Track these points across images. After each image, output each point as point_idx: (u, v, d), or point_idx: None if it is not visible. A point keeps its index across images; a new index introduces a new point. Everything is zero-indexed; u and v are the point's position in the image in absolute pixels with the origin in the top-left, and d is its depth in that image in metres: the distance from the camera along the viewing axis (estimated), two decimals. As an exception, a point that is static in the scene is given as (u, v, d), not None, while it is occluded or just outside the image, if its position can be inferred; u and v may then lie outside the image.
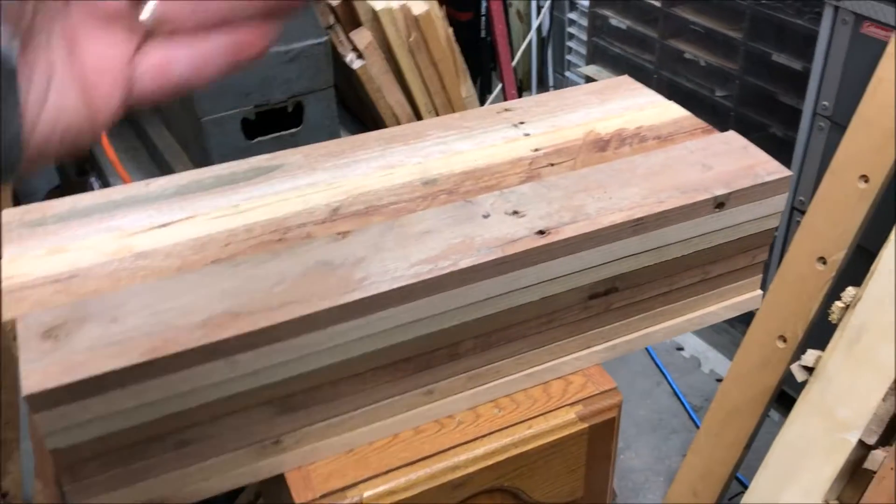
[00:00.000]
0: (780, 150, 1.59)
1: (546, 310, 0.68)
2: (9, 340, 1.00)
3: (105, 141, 0.86)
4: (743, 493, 1.26)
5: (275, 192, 0.71)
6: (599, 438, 0.73)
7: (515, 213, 0.67)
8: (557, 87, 2.60)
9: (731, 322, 1.93)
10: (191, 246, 0.65)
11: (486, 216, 0.67)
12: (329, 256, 0.63)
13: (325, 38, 0.87)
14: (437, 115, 1.03)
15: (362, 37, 0.91)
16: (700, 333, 1.97)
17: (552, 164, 0.75)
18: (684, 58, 1.84)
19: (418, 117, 1.00)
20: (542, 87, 2.70)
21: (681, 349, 1.94)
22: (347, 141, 0.80)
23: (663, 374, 1.86)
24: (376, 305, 0.60)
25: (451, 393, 0.69)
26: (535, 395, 0.72)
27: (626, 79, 0.91)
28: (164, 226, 0.67)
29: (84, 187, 1.80)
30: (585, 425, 0.71)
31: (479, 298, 0.64)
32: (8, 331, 0.59)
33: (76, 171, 1.79)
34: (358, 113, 0.98)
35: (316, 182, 0.73)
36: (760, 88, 1.68)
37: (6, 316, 0.58)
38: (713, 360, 1.90)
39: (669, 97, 0.85)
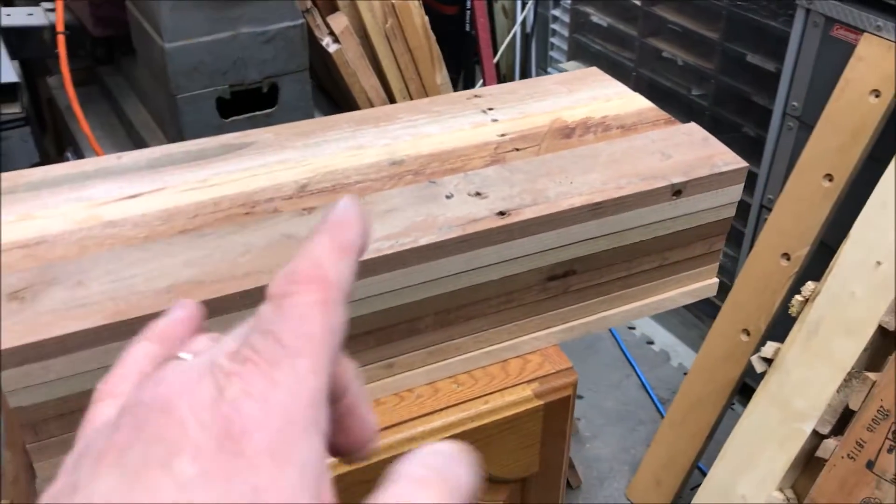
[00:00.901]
0: (753, 149, 1.62)
1: (505, 289, 0.70)
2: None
3: (80, 116, 0.87)
4: (703, 482, 1.29)
5: (244, 169, 0.73)
6: (555, 416, 0.75)
7: (478, 194, 0.69)
8: (539, 82, 2.62)
9: (700, 317, 1.96)
10: (159, 217, 0.66)
11: (449, 196, 0.69)
12: (294, 230, 0.65)
13: (301, 21, 0.89)
14: (412, 100, 1.05)
15: (339, 21, 0.93)
16: (670, 328, 2.00)
17: (517, 150, 0.77)
18: (662, 56, 1.87)
19: (392, 102, 1.02)
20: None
21: (651, 343, 1.97)
22: (318, 122, 0.82)
23: (632, 366, 1.89)
24: (338, 278, 0.62)
25: (411, 367, 0.71)
26: (493, 372, 0.74)
27: (594, 70, 0.93)
28: (133, 197, 0.69)
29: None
30: (541, 402, 0.73)
31: (439, 275, 0.66)
32: (-25, 292, 0.60)
33: (56, 149, 1.79)
34: (333, 96, 1.00)
35: (285, 160, 0.74)
36: (735, 88, 1.71)
37: (-26, 278, 0.60)
38: (682, 355, 1.93)
39: (647, 95, 0.87)
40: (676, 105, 1.79)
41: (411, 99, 1.04)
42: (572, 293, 0.75)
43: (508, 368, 0.75)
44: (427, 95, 1.05)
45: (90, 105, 1.13)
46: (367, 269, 0.63)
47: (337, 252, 0.28)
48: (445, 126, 0.81)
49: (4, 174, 0.72)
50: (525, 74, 2.75)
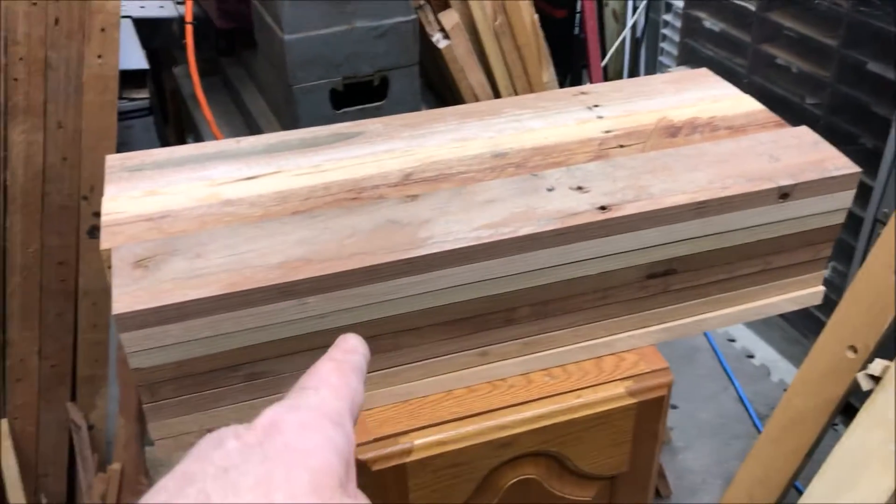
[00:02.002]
0: (869, 161, 1.56)
1: (603, 285, 0.71)
2: (103, 273, 1.07)
3: (203, 101, 0.92)
4: (800, 501, 1.25)
5: (354, 156, 0.76)
6: (647, 415, 0.75)
7: (579, 188, 0.70)
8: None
9: (805, 334, 1.89)
10: (273, 198, 0.70)
11: (550, 189, 0.70)
12: (398, 216, 0.67)
13: (413, 17, 0.91)
14: (517, 98, 1.06)
15: (450, 17, 0.95)
16: (772, 342, 1.94)
17: (622, 146, 0.77)
18: (776, 63, 1.82)
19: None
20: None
21: (751, 357, 1.92)
22: (426, 114, 0.84)
23: (731, 379, 1.84)
24: (437, 263, 0.64)
25: (506, 357, 0.72)
26: (587, 367, 0.75)
27: (704, 71, 0.92)
28: (250, 178, 0.73)
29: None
30: (634, 401, 0.73)
31: (536, 267, 0.67)
32: (104, 259, 0.65)
33: (177, 139, 1.89)
34: (439, 91, 1.02)
35: (392, 149, 0.77)
36: (852, 97, 1.64)
37: (104, 247, 0.64)
38: (783, 370, 1.87)
39: (759, 102, 0.86)
40: (790, 113, 1.73)
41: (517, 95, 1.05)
42: (671, 293, 0.74)
43: (603, 365, 0.75)
44: (533, 93, 1.05)
45: (211, 94, 1.19)
46: (466, 256, 0.64)
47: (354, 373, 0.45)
48: (550, 121, 0.81)
49: (133, 153, 0.77)
50: (634, 75, 2.72)
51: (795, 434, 1.36)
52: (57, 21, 0.87)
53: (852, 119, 1.67)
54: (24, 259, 0.98)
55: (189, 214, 0.68)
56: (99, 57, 0.91)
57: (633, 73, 2.71)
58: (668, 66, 2.34)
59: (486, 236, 0.64)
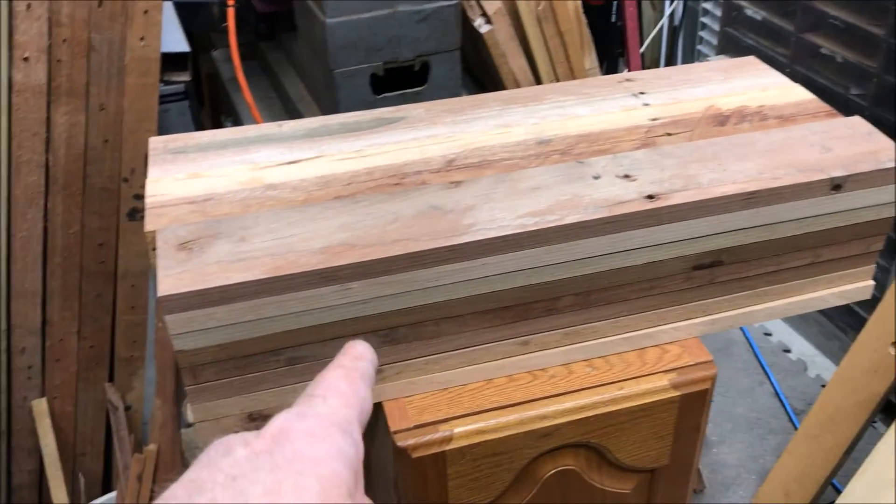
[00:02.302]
0: (915, 153, 1.52)
1: (649, 275, 0.69)
2: (143, 255, 1.09)
3: (244, 84, 0.92)
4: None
5: (396, 141, 0.75)
6: (690, 409, 0.73)
7: (626, 176, 0.69)
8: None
9: (843, 329, 1.86)
10: (316, 182, 0.69)
11: (596, 177, 0.69)
12: (441, 202, 0.66)
13: (456, 1, 0.90)
14: (558, 85, 1.04)
15: (492, 2, 0.94)
16: (809, 337, 1.91)
17: (669, 134, 0.75)
18: (820, 53, 1.78)
19: (539, 84, 1.02)
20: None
21: (787, 351, 1.89)
22: (468, 100, 0.83)
23: (766, 373, 1.81)
24: (481, 251, 0.63)
25: (547, 346, 0.72)
26: (629, 359, 0.73)
27: (752, 59, 0.90)
28: (293, 162, 0.72)
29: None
30: (677, 393, 0.72)
31: (581, 256, 0.66)
32: (148, 241, 0.65)
33: (212, 124, 1.90)
34: (478, 76, 1.01)
35: (435, 135, 0.76)
36: (900, 87, 1.61)
37: (148, 228, 0.64)
38: (820, 365, 1.84)
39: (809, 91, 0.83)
40: (833, 104, 1.70)
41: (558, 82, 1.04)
42: (717, 284, 0.73)
43: (645, 357, 0.74)
44: (575, 79, 1.04)
45: (251, 78, 1.19)
46: (510, 244, 0.63)
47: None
48: (595, 108, 0.80)
49: (176, 135, 0.77)
50: (671, 63, 2.68)
51: (834, 431, 1.34)
52: (100, 3, 0.87)
53: (898, 111, 1.64)
54: (64, 240, 0.98)
55: (232, 198, 0.68)
56: (141, 39, 0.91)
57: (671, 61, 2.67)
58: (707, 56, 2.30)
59: (531, 224, 0.63)
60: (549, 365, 0.72)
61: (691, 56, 2.53)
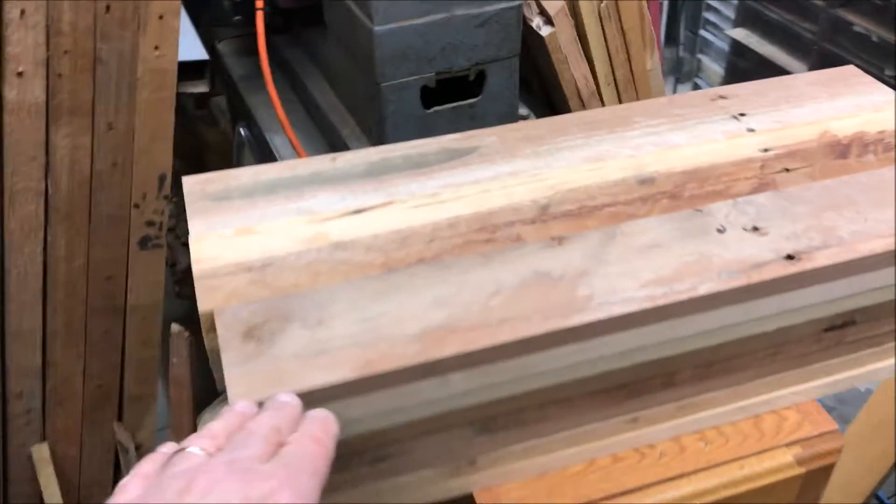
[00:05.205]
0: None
1: (777, 341, 0.60)
2: (155, 286, 0.97)
3: (272, 90, 0.79)
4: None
5: (474, 181, 0.65)
6: (813, 485, 0.65)
7: (755, 229, 0.59)
8: (688, 45, 2.45)
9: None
10: (392, 239, 0.59)
11: (721, 230, 0.59)
12: (546, 266, 0.56)
13: (518, 3, 0.79)
14: (617, 89, 0.94)
15: (554, 2, 0.82)
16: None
17: (787, 170, 0.66)
18: (852, 30, 1.69)
19: (597, 90, 0.92)
20: (672, 43, 2.55)
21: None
22: (544, 124, 0.72)
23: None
24: (604, 329, 0.53)
25: (657, 422, 0.63)
26: (745, 429, 0.65)
27: (852, 69, 0.81)
28: (359, 212, 0.61)
29: (206, 121, 1.76)
30: (802, 470, 0.63)
31: (711, 327, 0.57)
32: (204, 323, 0.54)
33: (195, 103, 1.75)
34: (529, 83, 0.90)
35: (517, 171, 0.66)
36: (941, 71, 1.52)
37: (203, 307, 0.53)
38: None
39: None
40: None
41: (616, 87, 0.93)
42: (845, 344, 0.64)
43: (763, 426, 0.65)
44: (634, 83, 0.94)
45: (261, 76, 1.07)
46: (637, 320, 0.54)
47: (328, 440, 0.43)
48: (694, 134, 0.70)
49: (213, 174, 0.66)
50: (671, 36, 2.57)
51: (881, 440, 1.28)
52: (108, 8, 0.74)
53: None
54: (67, 275, 0.86)
55: (296, 262, 0.57)
56: (156, 48, 0.79)
57: (671, 29, 2.56)
58: (721, 27, 2.19)
59: (660, 296, 0.54)
60: (658, 440, 0.63)
61: (695, 24, 2.42)
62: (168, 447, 0.41)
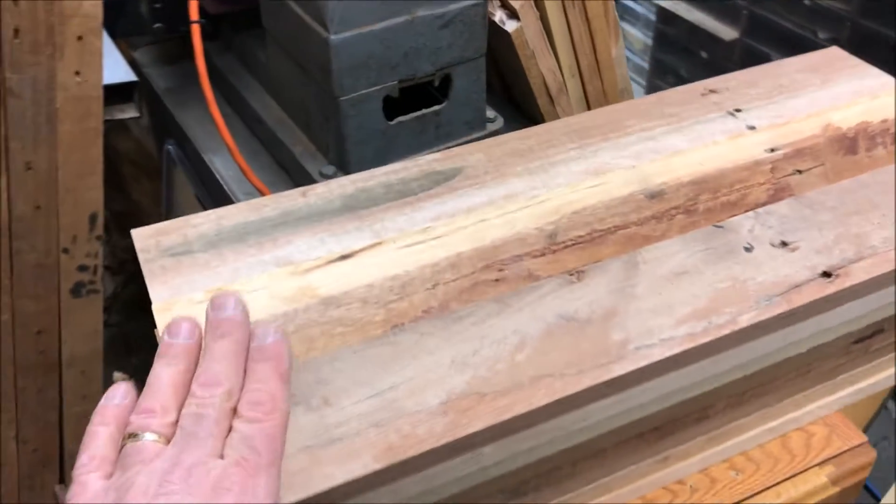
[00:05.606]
0: None
1: (808, 359, 0.56)
2: (91, 336, 0.87)
3: (216, 112, 0.70)
4: None
5: (468, 210, 0.58)
6: (845, 500, 0.62)
7: (784, 244, 0.54)
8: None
9: None
10: (389, 288, 0.51)
11: (748, 249, 0.54)
12: (570, 308, 0.50)
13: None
14: (582, 79, 0.88)
15: (519, -6, 0.75)
16: None
17: (799, 171, 0.61)
18: (783, -6, 1.67)
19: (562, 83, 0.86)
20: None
21: None
22: (531, 135, 0.66)
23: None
24: (646, 376, 0.48)
25: (686, 457, 0.58)
26: (773, 451, 0.61)
27: (836, 52, 0.77)
28: (345, 257, 0.54)
29: (116, 129, 1.62)
30: (837, 489, 0.60)
31: (750, 357, 0.52)
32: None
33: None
34: (492, 84, 0.83)
35: (513, 194, 0.59)
36: (875, 32, 1.52)
37: (182, 395, 0.45)
38: None
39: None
40: (800, 50, 1.61)
41: (581, 78, 0.87)
42: (870, 353, 0.61)
43: (791, 445, 0.61)
44: (600, 72, 0.88)
45: (192, 87, 0.96)
46: (679, 361, 0.48)
47: (283, 383, 0.39)
48: (693, 137, 0.65)
49: (165, 224, 0.57)
50: None
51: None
52: (17, 32, 0.63)
53: (879, 58, 1.55)
54: (-9, 334, 0.76)
55: (284, 329, 0.49)
56: (77, 74, 0.68)
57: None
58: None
59: (700, 332, 0.48)
60: (687, 475, 0.59)
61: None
62: (118, 398, 0.39)
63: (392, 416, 0.44)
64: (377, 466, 0.42)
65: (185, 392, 0.38)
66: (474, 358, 0.47)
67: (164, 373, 0.39)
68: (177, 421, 0.38)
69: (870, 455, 0.61)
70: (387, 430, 0.43)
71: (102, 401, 0.40)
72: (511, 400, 0.45)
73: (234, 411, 0.38)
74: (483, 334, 0.48)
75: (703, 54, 1.97)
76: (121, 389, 0.40)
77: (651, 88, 2.22)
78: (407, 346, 0.48)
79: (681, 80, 2.11)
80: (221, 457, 0.36)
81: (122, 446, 0.37)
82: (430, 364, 0.46)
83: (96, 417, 0.39)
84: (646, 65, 2.21)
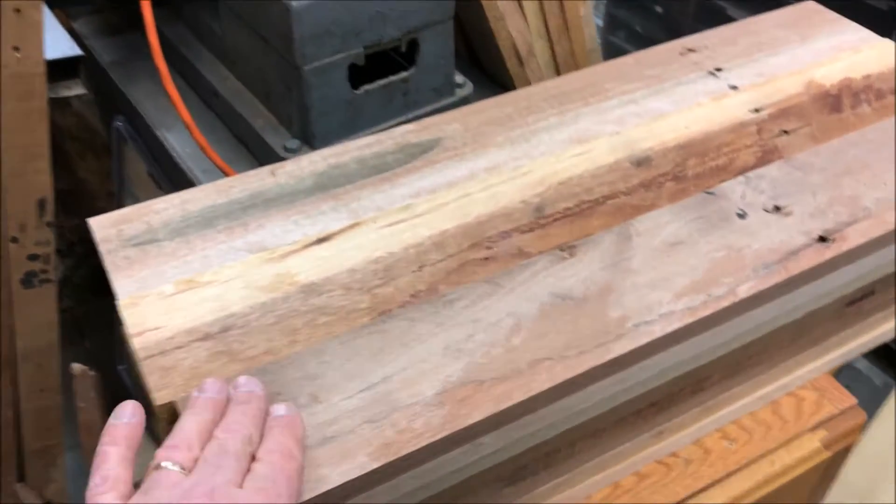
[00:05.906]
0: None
1: (802, 325, 0.55)
2: (46, 328, 0.82)
3: (172, 88, 0.65)
4: None
5: (448, 184, 0.55)
6: (834, 466, 0.62)
7: (777, 209, 0.53)
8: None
9: None
10: (373, 271, 0.48)
11: (741, 215, 0.52)
12: (564, 285, 0.48)
13: (451, -43, 0.68)
14: (550, 40, 0.85)
15: (485, -48, 0.72)
16: None
17: (786, 132, 0.59)
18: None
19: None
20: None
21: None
22: (508, 101, 0.63)
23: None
24: (646, 353, 0.46)
25: (681, 430, 0.57)
26: (764, 418, 0.60)
27: (813, 6, 0.75)
28: (322, 241, 0.51)
29: (54, 103, 1.54)
30: (829, 454, 0.59)
31: (748, 327, 0.50)
32: (160, 419, 0.43)
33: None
34: (457, 48, 0.79)
35: (495, 165, 0.56)
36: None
37: (159, 397, 0.42)
38: None
39: None
40: (756, 4, 1.59)
41: (550, 40, 0.84)
42: (861, 314, 0.60)
43: (782, 412, 0.60)
44: (568, 31, 0.85)
45: (137, 62, 0.91)
46: (679, 336, 0.47)
47: (298, 443, 0.38)
48: (675, 99, 0.63)
49: (125, 211, 0.53)
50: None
51: None
52: (-52, 6, 0.57)
53: (840, 6, 1.55)
54: (-61, 331, 0.71)
55: (262, 319, 0.46)
56: (16, 50, 0.62)
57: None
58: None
59: (700, 305, 0.47)
60: (680, 447, 0.58)
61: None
62: (126, 417, 0.39)
63: (386, 410, 0.41)
64: (374, 465, 0.39)
65: (209, 438, 0.38)
66: (468, 344, 0.44)
67: (189, 419, 0.39)
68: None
69: (860, 417, 0.60)
70: (382, 426, 0.41)
71: (111, 419, 0.39)
72: (510, 386, 0.43)
73: (253, 458, 0.38)
74: (476, 318, 0.46)
75: (658, 9, 1.95)
76: (129, 408, 0.39)
77: (606, 44, 2.20)
78: (396, 334, 0.45)
79: (636, 36, 2.09)
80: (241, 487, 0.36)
81: (147, 477, 0.37)
82: (422, 352, 0.44)
83: (105, 437, 0.38)
84: (600, 21, 2.19)
